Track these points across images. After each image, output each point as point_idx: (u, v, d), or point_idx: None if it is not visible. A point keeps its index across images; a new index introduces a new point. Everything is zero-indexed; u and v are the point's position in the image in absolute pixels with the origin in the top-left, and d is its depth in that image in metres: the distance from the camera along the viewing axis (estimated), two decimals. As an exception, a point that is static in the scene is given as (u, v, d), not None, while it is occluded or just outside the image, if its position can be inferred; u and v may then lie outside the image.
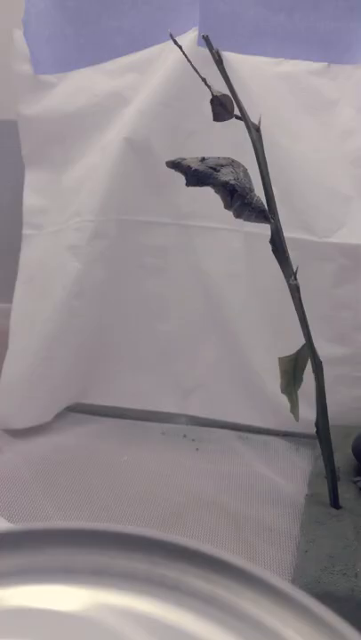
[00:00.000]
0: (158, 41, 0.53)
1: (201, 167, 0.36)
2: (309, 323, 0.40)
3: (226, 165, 0.36)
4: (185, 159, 0.37)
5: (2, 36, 0.56)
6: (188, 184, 0.37)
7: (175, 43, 0.37)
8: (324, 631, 0.12)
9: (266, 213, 0.37)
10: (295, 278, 0.39)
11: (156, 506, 0.49)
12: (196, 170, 0.36)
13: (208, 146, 0.50)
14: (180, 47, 0.37)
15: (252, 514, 0.48)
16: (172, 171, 0.37)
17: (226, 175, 0.36)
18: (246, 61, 0.51)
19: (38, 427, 0.59)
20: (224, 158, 0.37)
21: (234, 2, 0.50)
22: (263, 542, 0.45)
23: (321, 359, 0.40)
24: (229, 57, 0.50)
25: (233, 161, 0.37)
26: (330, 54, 0.51)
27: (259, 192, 0.38)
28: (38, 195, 0.59)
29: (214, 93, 0.36)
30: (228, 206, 0.37)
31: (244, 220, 0.38)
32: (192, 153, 0.38)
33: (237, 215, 0.37)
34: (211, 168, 0.36)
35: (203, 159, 0.37)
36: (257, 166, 0.38)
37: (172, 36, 0.37)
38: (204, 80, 0.36)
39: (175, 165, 0.37)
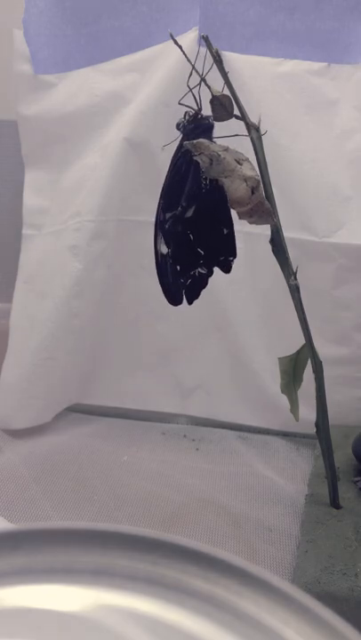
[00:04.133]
0: (158, 41, 0.53)
1: (228, 157, 0.33)
2: (310, 323, 0.40)
3: (246, 160, 0.34)
4: (212, 143, 0.34)
5: (2, 36, 0.56)
6: (207, 174, 0.34)
7: (175, 43, 0.37)
8: (324, 631, 0.12)
9: (271, 214, 0.37)
10: (295, 278, 0.39)
11: (156, 506, 0.49)
12: (224, 158, 0.33)
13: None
14: (181, 47, 0.37)
15: (252, 514, 0.48)
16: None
17: (249, 170, 0.34)
18: (246, 61, 0.51)
19: (38, 427, 0.59)
20: (240, 153, 0.35)
21: (234, 2, 0.50)
22: (263, 542, 0.45)
23: (321, 359, 0.40)
24: (229, 57, 0.50)
25: (247, 158, 0.35)
26: (330, 54, 0.51)
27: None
28: (38, 195, 0.59)
29: (214, 93, 0.36)
30: (242, 205, 0.34)
31: (250, 222, 0.36)
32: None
33: (250, 215, 0.35)
34: (235, 160, 0.34)
35: (227, 149, 0.34)
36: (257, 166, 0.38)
37: (172, 36, 0.37)
38: (203, 80, 0.36)
39: (200, 147, 0.33)
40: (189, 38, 0.50)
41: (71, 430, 0.60)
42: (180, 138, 0.37)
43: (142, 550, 0.14)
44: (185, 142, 0.35)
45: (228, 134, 0.37)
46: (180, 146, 0.37)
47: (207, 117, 0.37)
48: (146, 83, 0.54)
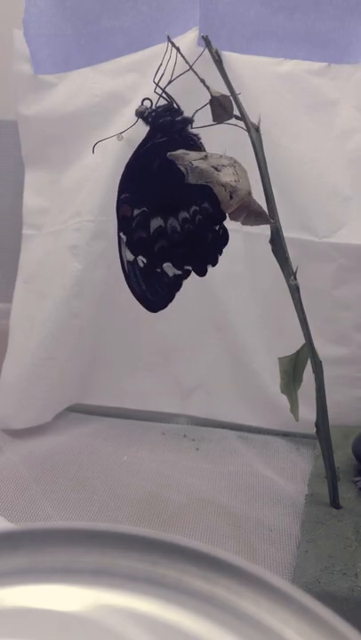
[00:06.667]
0: (158, 41, 0.53)
1: (203, 165, 0.36)
2: (310, 323, 0.40)
3: (228, 166, 0.36)
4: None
5: (2, 36, 0.56)
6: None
7: (173, 45, 0.37)
8: (324, 631, 0.12)
9: (264, 215, 0.37)
10: (295, 278, 0.39)
11: (156, 506, 0.49)
12: (197, 167, 0.36)
13: (208, 147, 0.50)
14: (178, 49, 0.37)
15: (252, 514, 0.48)
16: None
17: (227, 176, 0.36)
18: (246, 61, 0.51)
19: (38, 427, 0.59)
20: (227, 158, 0.36)
21: (234, 2, 0.50)
22: (263, 542, 0.45)
23: (321, 359, 0.40)
24: (229, 57, 0.50)
25: (235, 161, 0.36)
26: (330, 54, 0.51)
27: (258, 192, 0.38)
28: (38, 195, 0.59)
29: (213, 94, 0.36)
30: (225, 208, 0.37)
31: (242, 223, 0.37)
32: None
33: (234, 217, 0.37)
34: (212, 167, 0.36)
35: (206, 156, 0.36)
36: (256, 166, 0.38)
37: (169, 38, 0.38)
38: (202, 81, 0.36)
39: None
40: (189, 38, 0.50)
41: (71, 430, 0.60)
42: (141, 124, 0.40)
43: (142, 550, 0.14)
44: (169, 153, 0.36)
45: (230, 134, 0.37)
46: (149, 136, 0.39)
47: (179, 112, 0.38)
48: (146, 83, 0.54)
